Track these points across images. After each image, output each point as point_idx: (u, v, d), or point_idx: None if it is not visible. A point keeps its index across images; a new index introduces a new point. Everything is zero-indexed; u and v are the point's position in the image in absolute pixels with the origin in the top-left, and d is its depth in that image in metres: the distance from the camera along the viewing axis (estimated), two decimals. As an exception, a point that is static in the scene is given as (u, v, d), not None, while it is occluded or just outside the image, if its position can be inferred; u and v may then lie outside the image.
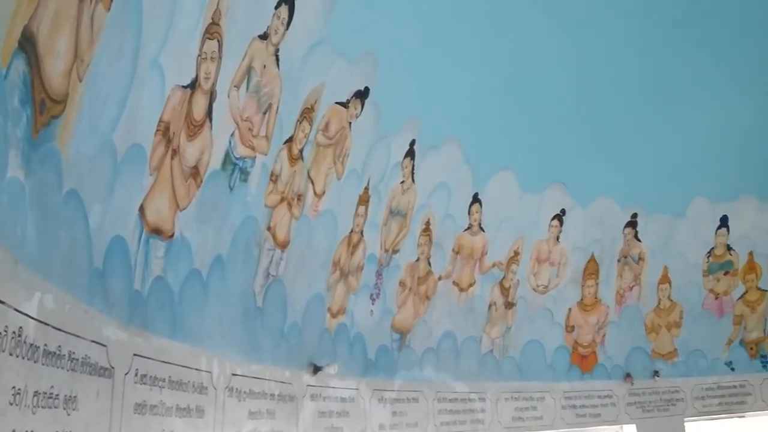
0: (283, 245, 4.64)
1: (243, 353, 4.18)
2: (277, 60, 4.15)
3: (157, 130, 3.08)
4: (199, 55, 3.37)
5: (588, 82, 6.84)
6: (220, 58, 3.55)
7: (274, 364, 4.56)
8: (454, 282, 7.24)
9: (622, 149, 7.54)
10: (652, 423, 8.43)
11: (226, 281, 3.93)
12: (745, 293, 8.93)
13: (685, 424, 8.60)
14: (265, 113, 4.12)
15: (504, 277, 7.71)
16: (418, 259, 6.74)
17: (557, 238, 7.99)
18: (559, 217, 7.91)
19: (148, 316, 3.15)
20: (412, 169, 6.29)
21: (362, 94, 5.24)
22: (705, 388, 8.75)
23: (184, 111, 3.31)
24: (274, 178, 4.38)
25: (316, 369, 5.07)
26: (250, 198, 4.12)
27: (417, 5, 5.34)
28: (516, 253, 7.76)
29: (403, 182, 6.23)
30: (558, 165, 7.49)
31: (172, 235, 3.35)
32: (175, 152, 3.29)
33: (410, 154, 6.19)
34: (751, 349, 9.00)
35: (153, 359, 3.08)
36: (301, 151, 4.67)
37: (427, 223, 6.76)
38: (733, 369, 8.91)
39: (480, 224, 7.34)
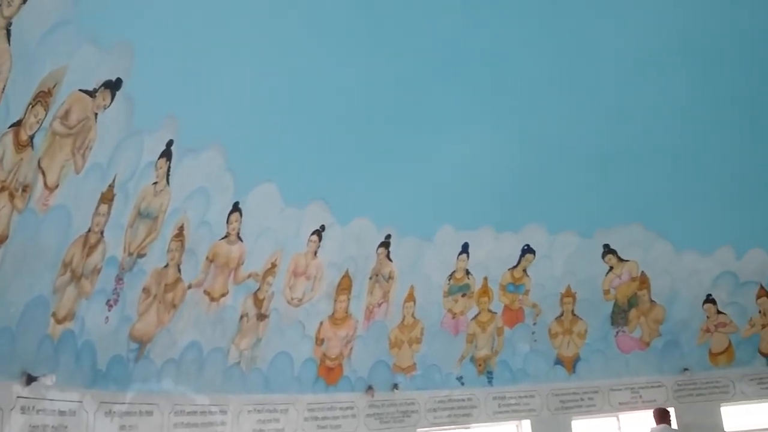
0: (0, 240, 4.13)
1: (-68, 361, 3.63)
2: (8, 35, 3.70)
3: None
4: None
5: (354, 105, 7.12)
6: (-73, 21, 3.08)
7: (-26, 373, 4.03)
8: (205, 291, 7.00)
9: (382, 173, 7.95)
10: (387, 434, 8.92)
11: None
12: (478, 314, 9.87)
13: (417, 434, 9.24)
14: (-14, 91, 3.65)
15: (259, 289, 7.66)
16: (167, 265, 6.41)
17: (315, 253, 8.15)
18: (319, 232, 8.08)
19: None
20: (168, 170, 6.00)
21: (113, 85, 4.87)
22: (437, 401, 9.48)
23: None
24: (-7, 164, 3.89)
25: (30, 379, 4.55)
26: (-43, 184, 3.61)
27: (184, 1, 5.15)
28: (273, 265, 7.76)
29: (156, 183, 5.91)
30: (321, 182, 7.67)
31: None
32: None
33: (166, 154, 5.90)
34: (480, 365, 9.96)
35: None
36: (31, 137, 4.20)
37: (181, 228, 6.47)
38: (463, 383, 9.77)
39: (238, 234, 7.22)
